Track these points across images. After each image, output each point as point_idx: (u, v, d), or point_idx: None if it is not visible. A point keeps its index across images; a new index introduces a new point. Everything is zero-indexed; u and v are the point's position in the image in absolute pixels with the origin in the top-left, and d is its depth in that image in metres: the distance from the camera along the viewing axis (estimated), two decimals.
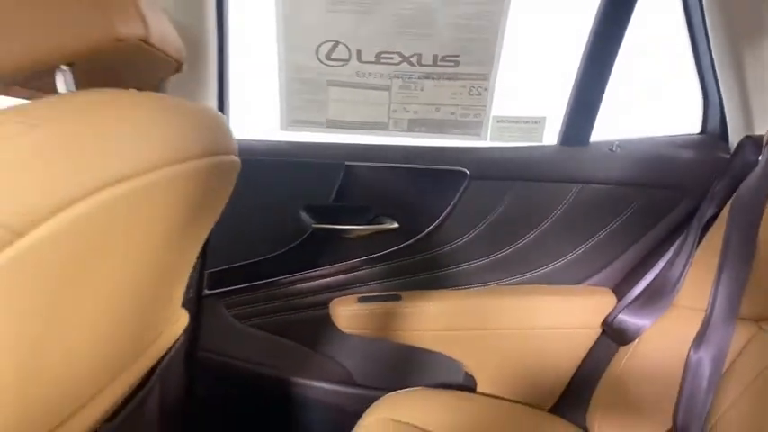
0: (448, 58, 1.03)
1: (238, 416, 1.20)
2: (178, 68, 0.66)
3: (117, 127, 0.46)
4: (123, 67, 0.58)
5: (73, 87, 0.50)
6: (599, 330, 1.04)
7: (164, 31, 0.57)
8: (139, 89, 0.66)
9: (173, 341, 0.75)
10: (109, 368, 0.60)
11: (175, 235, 0.60)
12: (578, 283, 1.11)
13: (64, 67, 0.49)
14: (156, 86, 0.75)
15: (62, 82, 0.49)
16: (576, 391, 1.06)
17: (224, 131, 0.66)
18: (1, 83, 0.49)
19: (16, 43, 0.46)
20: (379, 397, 1.03)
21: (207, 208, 0.66)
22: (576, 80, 1.07)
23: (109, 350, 0.57)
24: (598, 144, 1.10)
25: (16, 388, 0.43)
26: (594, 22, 1.01)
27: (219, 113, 0.69)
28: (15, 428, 0.45)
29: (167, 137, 0.52)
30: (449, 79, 1.04)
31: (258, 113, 1.14)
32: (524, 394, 1.09)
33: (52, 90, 0.50)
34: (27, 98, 0.56)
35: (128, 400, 0.66)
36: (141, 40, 0.51)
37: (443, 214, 1.07)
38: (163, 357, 0.73)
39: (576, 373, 1.07)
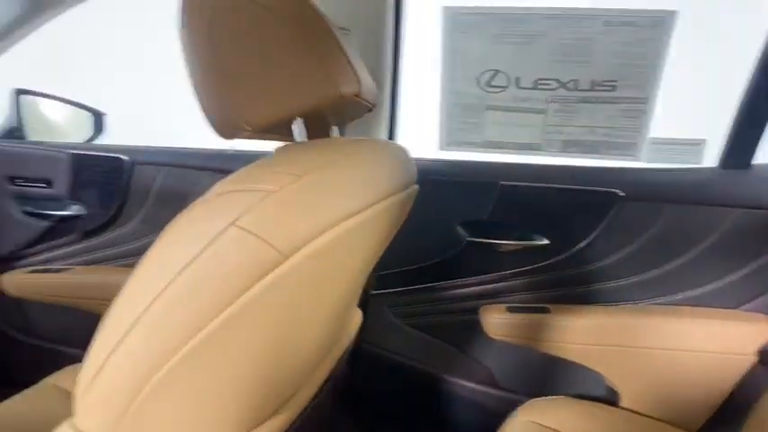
0: (605, 83, 1.06)
1: (390, 403, 1.33)
2: (370, 109, 0.78)
3: (349, 173, 0.58)
4: (331, 112, 0.71)
5: (305, 134, 0.64)
6: (754, 358, 1.01)
7: (368, 84, 0.70)
8: (337, 126, 0.80)
9: (354, 334, 0.89)
10: (317, 357, 0.74)
11: (373, 252, 0.73)
12: (733, 308, 1.08)
13: (299, 119, 0.63)
14: (345, 123, 0.89)
15: (297, 131, 0.64)
16: (726, 417, 1.04)
17: (411, 165, 0.78)
18: (255, 131, 0.65)
19: (268, 104, 0.61)
20: (520, 401, 1.08)
21: (395, 228, 0.78)
22: (741, 101, 1.05)
23: (320, 342, 0.71)
24: (761, 167, 1.07)
25: (269, 372, 0.56)
26: (765, 44, 0.99)
27: (406, 149, 0.80)
28: (268, 397, 0.60)
29: (381, 176, 0.64)
30: (605, 103, 1.08)
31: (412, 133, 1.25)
32: (669, 414, 1.08)
33: (287, 135, 0.64)
34: (271, 140, 0.71)
35: (324, 383, 0.79)
36: (355, 95, 0.64)
37: (594, 233, 1.09)
38: (348, 347, 0.87)
39: (726, 399, 1.05)
